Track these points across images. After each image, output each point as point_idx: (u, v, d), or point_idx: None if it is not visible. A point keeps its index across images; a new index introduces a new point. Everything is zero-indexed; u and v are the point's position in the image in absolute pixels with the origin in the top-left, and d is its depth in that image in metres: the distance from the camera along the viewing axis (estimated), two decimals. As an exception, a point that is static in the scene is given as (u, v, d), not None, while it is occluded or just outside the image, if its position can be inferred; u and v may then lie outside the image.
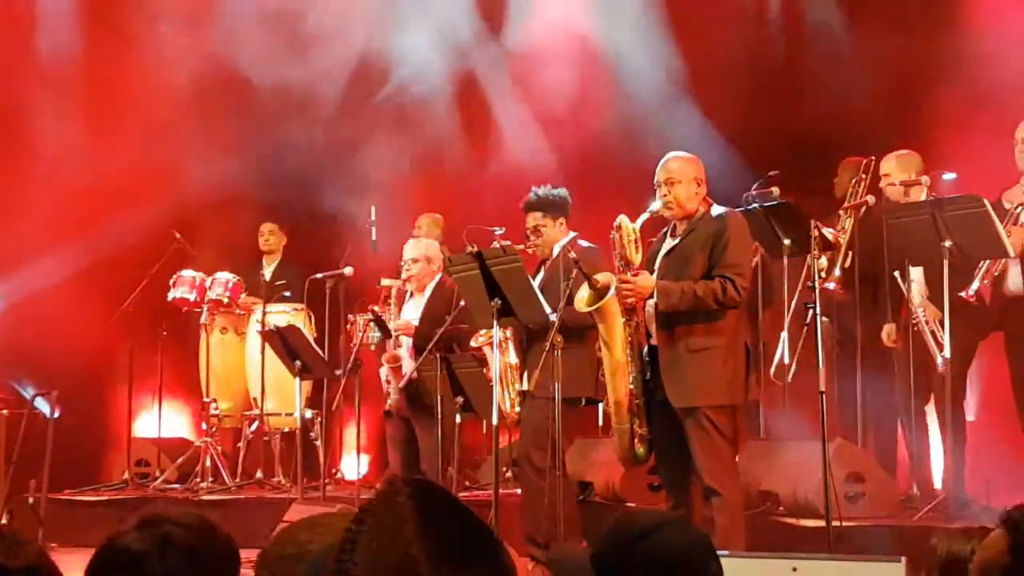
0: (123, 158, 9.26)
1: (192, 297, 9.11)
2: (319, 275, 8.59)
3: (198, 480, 8.85)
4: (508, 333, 7.01)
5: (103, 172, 9.26)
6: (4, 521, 8.40)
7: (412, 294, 7.84)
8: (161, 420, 9.45)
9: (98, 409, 9.85)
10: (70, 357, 9.26)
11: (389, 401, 7.69)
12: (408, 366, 7.56)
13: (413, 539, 1.48)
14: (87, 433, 9.55)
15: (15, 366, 9.79)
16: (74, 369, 9.25)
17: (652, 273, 5.65)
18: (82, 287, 9.53)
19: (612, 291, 5.54)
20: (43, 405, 8.75)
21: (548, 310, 6.29)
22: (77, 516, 8.47)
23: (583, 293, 5.71)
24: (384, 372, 7.79)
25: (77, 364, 9.30)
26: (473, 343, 7.23)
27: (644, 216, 5.64)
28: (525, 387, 6.67)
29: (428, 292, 7.71)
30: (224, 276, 9.17)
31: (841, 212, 7.25)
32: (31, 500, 8.24)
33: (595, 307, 5.59)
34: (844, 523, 5.82)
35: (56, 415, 8.40)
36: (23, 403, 8.83)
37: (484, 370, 6.93)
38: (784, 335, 7.00)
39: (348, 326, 8.53)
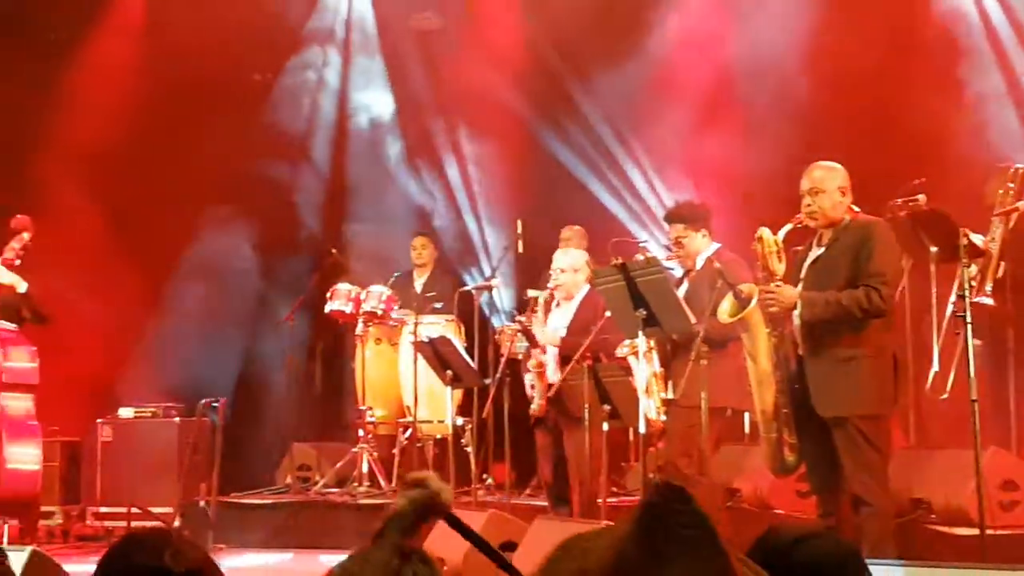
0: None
1: (348, 309, 9.44)
2: (468, 287, 8.84)
3: (355, 484, 9.16)
4: (652, 343, 7.13)
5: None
6: (177, 524, 8.86)
7: (559, 303, 8.01)
8: (321, 426, 9.80)
9: (262, 416, 10.27)
10: (239, 366, 9.73)
11: (533, 406, 7.85)
12: (552, 372, 7.73)
13: (635, 539, 1.58)
14: (252, 439, 9.98)
15: (186, 375, 10.32)
16: (242, 377, 9.71)
17: (799, 282, 5.70)
18: (251, 299, 10.00)
19: (754, 302, 5.62)
20: (212, 413, 9.21)
21: (693, 320, 6.40)
22: (244, 519, 8.87)
23: (726, 304, 5.79)
24: (529, 378, 7.96)
25: (245, 373, 9.75)
26: (618, 353, 7.37)
27: (787, 227, 5.70)
28: (670, 395, 6.78)
29: (576, 302, 7.87)
30: (378, 289, 9.48)
31: (993, 219, 7.15)
32: (202, 503, 8.68)
33: (737, 318, 5.68)
34: (998, 531, 5.78)
35: (223, 422, 8.84)
36: (194, 411, 9.30)
37: (630, 379, 7.07)
38: (936, 346, 6.94)
39: (496, 336, 8.76)
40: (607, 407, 7.04)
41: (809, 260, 5.77)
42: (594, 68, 10.05)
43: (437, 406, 9.04)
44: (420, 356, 8.64)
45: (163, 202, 10.09)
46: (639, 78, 9.72)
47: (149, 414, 9.76)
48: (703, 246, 6.84)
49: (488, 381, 8.30)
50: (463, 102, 10.32)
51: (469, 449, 9.10)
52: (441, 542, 7.10)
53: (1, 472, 8.31)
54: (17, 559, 5.25)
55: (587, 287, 7.82)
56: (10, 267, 8.46)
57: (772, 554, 2.25)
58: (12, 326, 8.57)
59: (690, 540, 1.61)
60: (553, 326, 7.92)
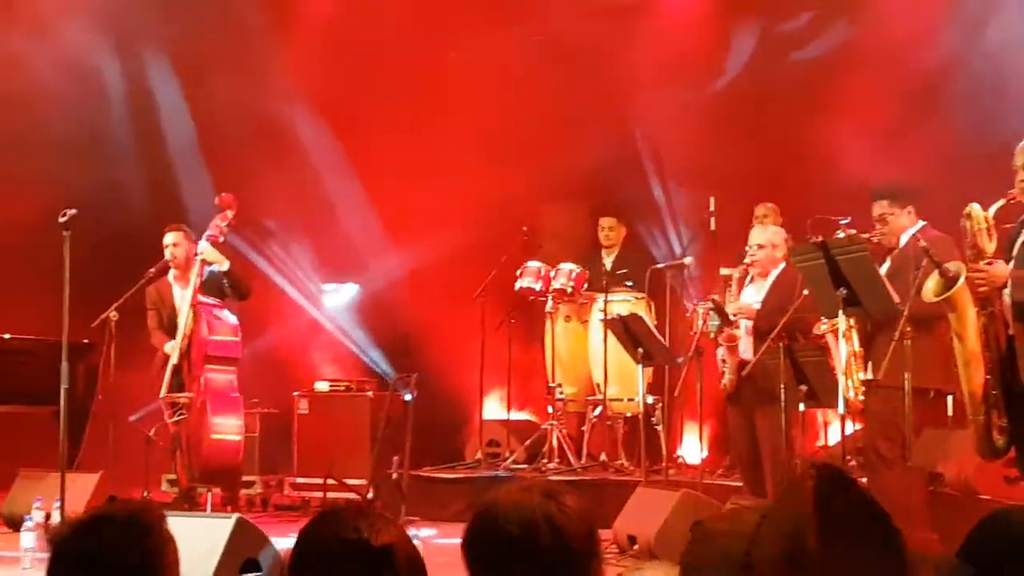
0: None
1: (538, 286, 9.49)
2: (660, 264, 8.79)
3: (545, 461, 9.21)
4: (852, 322, 6.95)
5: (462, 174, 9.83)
6: (370, 496, 9.06)
7: (753, 279, 7.89)
8: (510, 403, 9.90)
9: (452, 392, 10.42)
10: (427, 343, 9.88)
11: (724, 381, 7.75)
12: (745, 346, 7.63)
13: (807, 522, 1.59)
14: (443, 414, 10.13)
15: (378, 350, 10.55)
16: (431, 354, 9.86)
17: (1010, 260, 5.49)
18: (436, 277, 10.15)
19: (962, 281, 5.43)
20: (403, 388, 9.38)
21: (896, 299, 6.23)
22: (435, 492, 9.02)
23: (931, 283, 5.62)
24: (721, 352, 7.86)
25: (434, 349, 9.90)
26: (817, 331, 7.23)
27: (999, 203, 5.49)
28: (870, 376, 6.62)
29: (771, 279, 7.74)
30: (568, 266, 9.50)
31: None
32: (395, 476, 8.85)
33: (943, 297, 5.50)
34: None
35: (414, 397, 9.00)
36: (386, 386, 9.49)
37: (827, 358, 6.92)
38: None
39: (688, 314, 8.68)
40: (803, 387, 6.92)
41: (1022, 238, 5.55)
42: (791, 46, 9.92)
43: (627, 384, 9.03)
44: (610, 333, 8.63)
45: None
46: (848, 50, 9.54)
47: (343, 388, 10.00)
48: (908, 223, 6.65)
49: (680, 360, 8.23)
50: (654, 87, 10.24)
51: (660, 427, 9.07)
52: (634, 520, 7.13)
53: (205, 442, 8.63)
54: (223, 525, 5.45)
55: (783, 264, 7.68)
56: (215, 244, 8.76)
57: (1001, 543, 2.15)
58: (216, 301, 8.88)
59: (865, 526, 1.58)
60: (746, 301, 7.80)
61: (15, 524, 7.87)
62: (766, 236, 7.81)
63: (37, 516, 7.18)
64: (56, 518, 7.04)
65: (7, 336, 9.49)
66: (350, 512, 2.35)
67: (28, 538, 6.92)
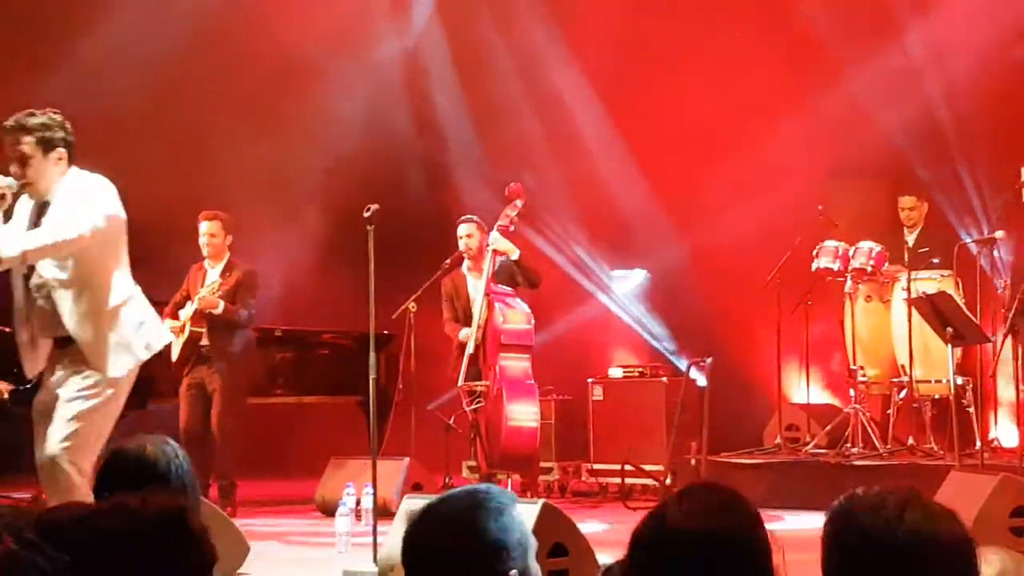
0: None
1: (836, 266, 9.18)
2: (967, 240, 8.35)
3: (848, 446, 8.91)
4: None
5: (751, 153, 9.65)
6: (668, 481, 9.00)
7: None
8: (809, 387, 9.63)
9: (748, 376, 10.23)
10: (720, 327, 9.73)
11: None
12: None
13: None
14: (739, 398, 9.96)
15: (670, 335, 10.48)
16: (725, 338, 9.70)
17: None
18: (727, 260, 9.99)
19: None
20: (697, 374, 9.27)
21: None
22: (734, 478, 8.84)
23: None
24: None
25: (728, 334, 9.74)
26: None
27: None
28: None
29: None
30: (867, 245, 9.15)
31: None
32: (692, 462, 8.76)
33: None
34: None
35: (709, 382, 8.88)
36: (680, 371, 9.40)
37: None
38: None
39: (999, 292, 8.22)
40: None
41: None
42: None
43: (934, 365, 8.63)
44: (915, 313, 8.26)
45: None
46: None
47: (637, 374, 9.97)
48: None
49: (993, 338, 7.79)
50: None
51: (971, 410, 8.63)
52: (949, 505, 6.80)
53: (503, 429, 8.75)
54: (530, 511, 5.48)
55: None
56: (505, 233, 8.87)
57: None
58: (508, 290, 8.99)
59: None
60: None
61: (328, 510, 8.19)
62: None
63: (349, 502, 7.44)
64: (367, 503, 7.27)
65: (317, 330, 9.93)
66: None
67: (342, 523, 7.17)
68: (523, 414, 8.84)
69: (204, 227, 8.79)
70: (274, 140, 10.65)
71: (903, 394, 9.00)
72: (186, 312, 8.66)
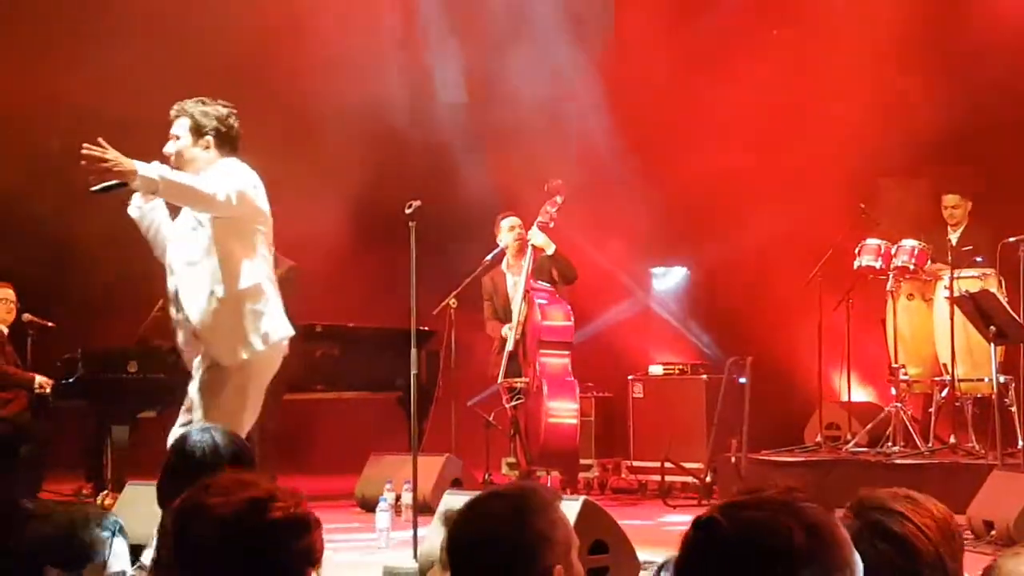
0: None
1: (878, 264, 9.13)
2: (1012, 239, 8.29)
3: (889, 444, 8.87)
4: None
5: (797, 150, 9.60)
6: (708, 479, 8.99)
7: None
8: (850, 385, 9.59)
9: (789, 374, 10.19)
10: (761, 325, 9.70)
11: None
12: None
13: None
14: (779, 396, 9.93)
15: (709, 333, 10.46)
16: (765, 336, 9.67)
17: None
18: (768, 258, 9.95)
19: None
20: (738, 371, 9.25)
21: None
22: (774, 476, 8.80)
23: None
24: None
25: (768, 332, 9.71)
26: None
27: None
28: None
29: None
30: (910, 243, 9.09)
31: None
32: (733, 459, 8.75)
33: None
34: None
35: (749, 380, 8.86)
36: (720, 369, 9.38)
37: None
38: None
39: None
40: None
41: None
42: None
43: (977, 363, 8.57)
44: (958, 311, 8.21)
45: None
46: None
47: (677, 371, 9.96)
48: None
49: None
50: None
51: (1014, 409, 8.56)
52: (991, 505, 6.76)
53: (543, 426, 8.78)
54: (571, 507, 5.49)
55: None
56: (544, 229, 8.89)
57: None
58: (547, 287, 9.01)
59: None
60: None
61: (368, 505, 8.23)
62: None
63: (389, 497, 7.47)
64: (407, 500, 7.30)
65: (357, 326, 9.97)
66: None
67: (383, 518, 7.21)
68: (563, 411, 8.87)
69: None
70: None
71: (945, 393, 8.93)
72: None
